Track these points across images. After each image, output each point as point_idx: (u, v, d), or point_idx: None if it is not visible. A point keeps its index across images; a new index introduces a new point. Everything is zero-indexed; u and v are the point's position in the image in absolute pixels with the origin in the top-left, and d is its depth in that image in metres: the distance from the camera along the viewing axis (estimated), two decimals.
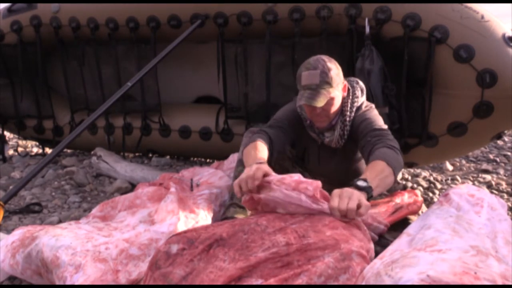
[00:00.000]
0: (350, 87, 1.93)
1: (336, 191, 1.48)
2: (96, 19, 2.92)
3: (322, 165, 2.08)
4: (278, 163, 1.98)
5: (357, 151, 1.96)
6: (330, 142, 1.95)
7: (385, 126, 1.84)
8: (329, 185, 2.05)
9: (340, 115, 1.90)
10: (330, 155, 2.04)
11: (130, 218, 1.85)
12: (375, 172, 1.55)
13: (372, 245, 1.46)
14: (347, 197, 1.42)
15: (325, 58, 1.81)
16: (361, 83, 1.99)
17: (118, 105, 2.78)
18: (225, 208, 1.93)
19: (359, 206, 1.41)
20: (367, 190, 1.47)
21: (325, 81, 1.76)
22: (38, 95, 3.27)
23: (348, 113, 1.89)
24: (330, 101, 1.80)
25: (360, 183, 1.48)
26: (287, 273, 1.26)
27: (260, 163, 1.62)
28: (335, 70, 1.80)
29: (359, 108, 1.92)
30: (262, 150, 1.77)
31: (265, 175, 1.53)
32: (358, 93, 1.93)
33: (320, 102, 1.75)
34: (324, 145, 2.01)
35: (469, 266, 1.13)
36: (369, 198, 1.48)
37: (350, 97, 1.91)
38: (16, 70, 3.18)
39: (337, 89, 1.82)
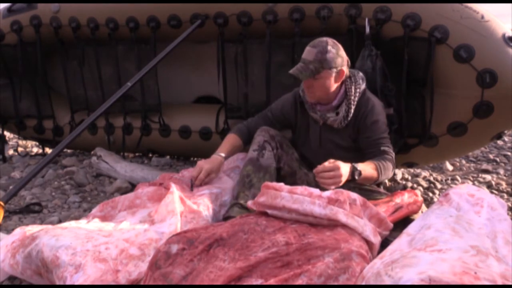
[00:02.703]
0: (351, 75, 2.05)
1: (334, 163, 1.76)
2: (96, 19, 2.92)
3: (323, 147, 2.15)
4: (287, 163, 2.12)
5: (355, 137, 2.10)
6: (333, 122, 2.06)
7: (386, 131, 2.07)
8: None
9: (345, 98, 2.03)
10: (330, 137, 2.13)
11: (130, 218, 1.85)
12: (369, 172, 1.89)
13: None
14: (334, 175, 1.73)
15: (330, 41, 1.96)
16: (361, 73, 2.10)
17: (118, 105, 2.77)
18: (228, 207, 1.94)
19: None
20: (355, 174, 1.82)
21: (319, 60, 1.91)
22: (38, 95, 3.26)
23: (353, 97, 2.02)
24: (314, 81, 1.95)
25: (358, 166, 1.83)
26: (287, 273, 1.26)
27: (219, 155, 2.13)
28: (333, 54, 1.93)
29: (364, 93, 2.06)
30: (227, 142, 2.23)
31: (209, 173, 2.05)
32: (359, 80, 2.06)
33: (304, 77, 1.92)
34: (326, 127, 2.10)
35: (469, 266, 1.13)
36: (352, 179, 1.83)
37: (353, 83, 2.03)
38: (16, 70, 3.18)
39: (328, 72, 1.94)
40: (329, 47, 1.93)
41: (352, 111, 2.02)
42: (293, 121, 2.23)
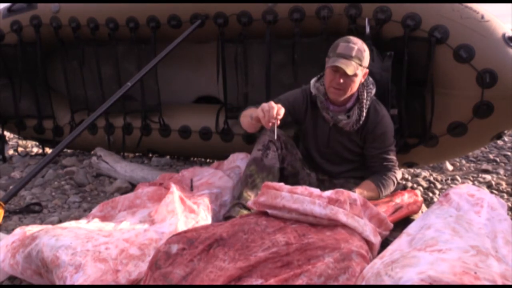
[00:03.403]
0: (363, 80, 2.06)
1: None
2: (96, 19, 2.92)
3: (330, 147, 2.17)
4: (290, 164, 2.12)
5: (362, 144, 2.12)
6: (345, 125, 2.07)
7: (394, 143, 2.13)
8: (332, 165, 2.23)
9: (357, 102, 2.05)
10: (339, 139, 2.14)
11: (130, 218, 1.85)
12: (367, 195, 1.93)
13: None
14: None
15: (362, 41, 2.00)
16: (371, 78, 2.11)
17: (118, 105, 2.77)
18: (230, 207, 1.94)
19: None
20: None
21: (358, 57, 1.92)
22: (38, 95, 3.26)
23: (365, 100, 2.04)
24: (354, 77, 1.94)
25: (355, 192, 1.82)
26: (287, 273, 1.26)
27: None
28: (367, 53, 1.98)
29: (374, 102, 2.08)
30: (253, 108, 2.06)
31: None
32: (370, 85, 2.08)
33: (350, 71, 1.90)
34: (336, 128, 2.11)
35: (469, 266, 1.13)
36: None
37: (365, 87, 2.05)
38: (16, 70, 3.18)
39: (362, 70, 1.97)
40: (364, 46, 1.96)
41: (364, 114, 2.04)
42: (302, 117, 2.20)
